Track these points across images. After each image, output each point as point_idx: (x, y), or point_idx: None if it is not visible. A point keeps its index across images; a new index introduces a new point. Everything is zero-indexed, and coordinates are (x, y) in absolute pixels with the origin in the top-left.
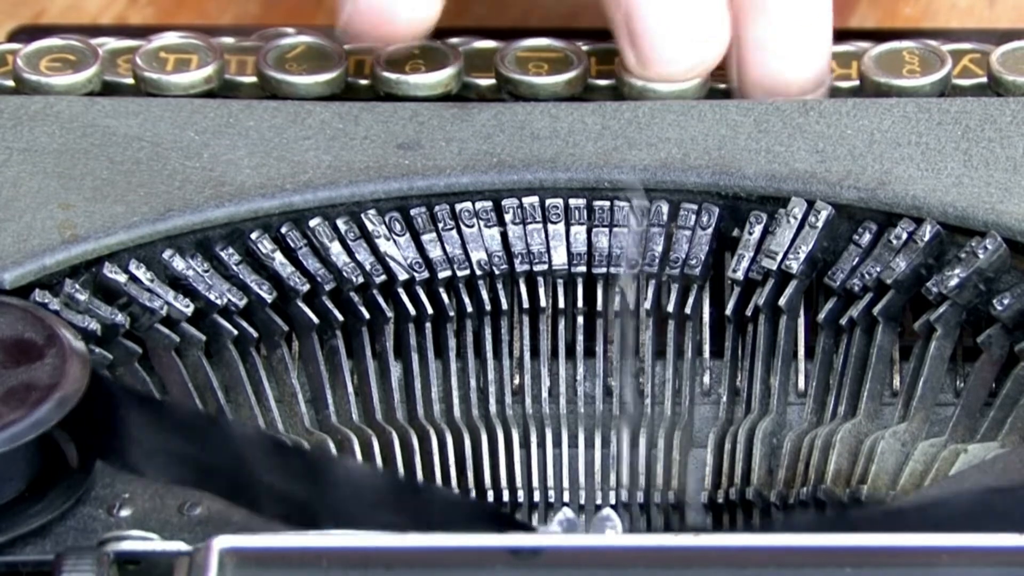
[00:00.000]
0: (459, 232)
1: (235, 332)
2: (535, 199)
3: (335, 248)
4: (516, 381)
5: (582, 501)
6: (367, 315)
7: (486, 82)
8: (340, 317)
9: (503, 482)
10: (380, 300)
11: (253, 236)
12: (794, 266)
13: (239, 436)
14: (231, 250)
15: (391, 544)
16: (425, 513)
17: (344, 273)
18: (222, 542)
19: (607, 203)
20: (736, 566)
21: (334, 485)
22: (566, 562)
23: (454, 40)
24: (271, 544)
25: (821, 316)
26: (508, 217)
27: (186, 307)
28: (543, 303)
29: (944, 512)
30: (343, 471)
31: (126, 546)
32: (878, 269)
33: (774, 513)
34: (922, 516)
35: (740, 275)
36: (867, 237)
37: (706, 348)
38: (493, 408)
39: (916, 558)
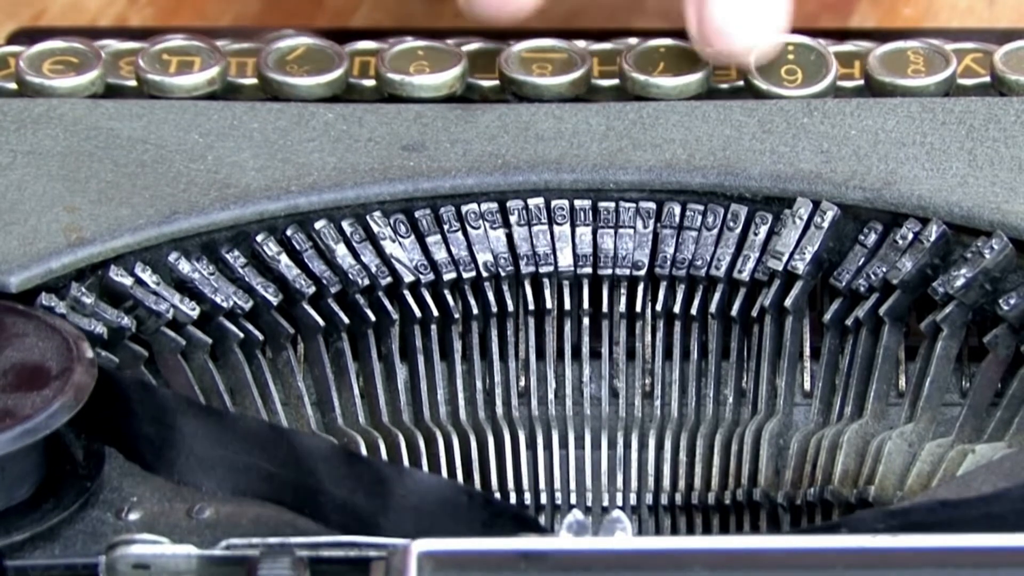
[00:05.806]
0: (464, 234)
1: (241, 335)
2: (540, 200)
3: (340, 250)
4: (522, 383)
5: (589, 503)
6: (373, 317)
7: (490, 83)
8: (346, 319)
9: (510, 484)
10: (386, 302)
11: (258, 238)
12: (800, 267)
13: (306, 447)
14: (236, 252)
15: (593, 548)
16: (492, 524)
17: (350, 275)
18: (420, 545)
19: (612, 204)
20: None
21: (400, 495)
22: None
23: (457, 41)
24: (469, 547)
25: (827, 317)
26: (513, 219)
27: (192, 310)
28: (548, 304)
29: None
30: (409, 480)
31: (135, 550)
32: (884, 269)
33: (780, 514)
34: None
35: (746, 276)
36: (873, 237)
37: (712, 349)
38: (499, 410)
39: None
